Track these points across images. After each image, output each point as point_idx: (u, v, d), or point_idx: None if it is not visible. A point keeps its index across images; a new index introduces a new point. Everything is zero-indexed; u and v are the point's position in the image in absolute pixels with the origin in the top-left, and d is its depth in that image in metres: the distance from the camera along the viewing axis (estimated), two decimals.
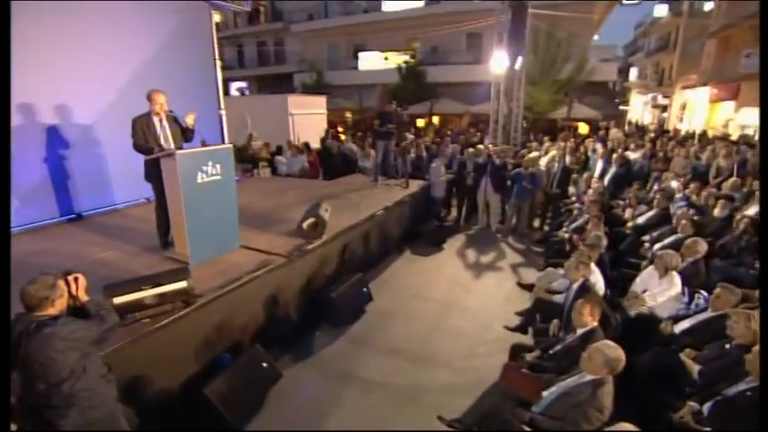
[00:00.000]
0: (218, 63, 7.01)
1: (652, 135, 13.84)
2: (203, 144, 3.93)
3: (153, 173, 3.66)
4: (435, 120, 20.64)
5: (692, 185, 6.43)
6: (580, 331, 2.67)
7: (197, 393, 2.77)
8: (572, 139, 10.34)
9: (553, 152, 7.76)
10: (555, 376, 2.44)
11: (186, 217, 3.49)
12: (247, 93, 26.91)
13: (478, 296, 4.87)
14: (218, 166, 3.67)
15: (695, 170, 7.66)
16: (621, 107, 22.81)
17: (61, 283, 2.05)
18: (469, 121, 16.88)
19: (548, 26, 13.90)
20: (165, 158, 3.50)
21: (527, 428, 2.16)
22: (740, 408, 2.19)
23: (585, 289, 3.17)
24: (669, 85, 21.29)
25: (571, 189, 7.10)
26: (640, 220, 5.71)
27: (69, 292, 2.10)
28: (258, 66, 26.60)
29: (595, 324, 2.63)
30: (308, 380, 3.43)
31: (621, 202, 6.68)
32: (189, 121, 3.88)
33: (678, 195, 5.86)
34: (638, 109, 26.99)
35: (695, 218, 4.88)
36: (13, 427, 1.96)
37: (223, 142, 7.32)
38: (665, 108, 22.08)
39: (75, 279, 2.12)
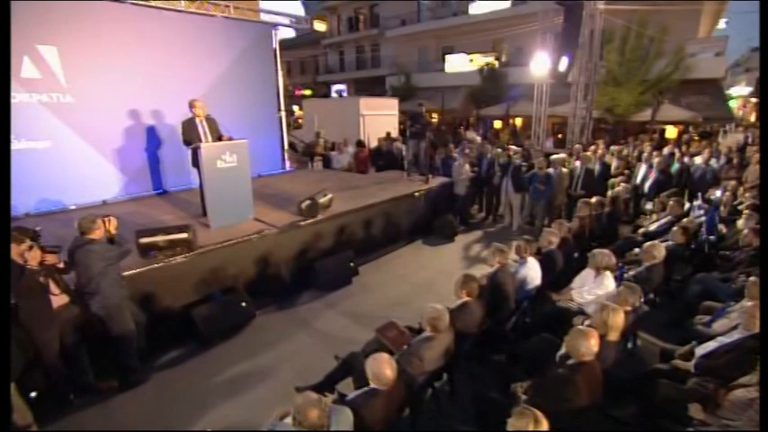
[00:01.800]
0: (280, 72, 8.34)
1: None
2: (229, 139, 5.15)
3: (194, 160, 5.01)
4: (518, 121, 20.11)
5: (746, 194, 5.79)
6: (457, 302, 3.13)
7: (187, 313, 3.95)
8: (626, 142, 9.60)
9: (586, 153, 7.50)
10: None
11: (207, 192, 4.75)
12: (345, 94, 29.33)
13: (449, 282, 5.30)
14: (234, 156, 4.87)
15: None
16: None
17: (99, 221, 3.34)
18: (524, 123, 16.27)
19: (638, 23, 12.75)
20: (199, 149, 4.80)
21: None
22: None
23: (500, 273, 3.54)
24: None
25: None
26: (653, 227, 5.43)
27: (105, 228, 3.38)
28: (356, 69, 28.78)
29: (466, 299, 3.07)
30: (277, 323, 4.42)
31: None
32: (225, 137, 5.11)
33: (696, 203, 5.40)
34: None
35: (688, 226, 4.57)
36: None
37: (282, 139, 8.81)
38: None
39: (109, 220, 3.40)
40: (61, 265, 3.28)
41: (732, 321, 3.03)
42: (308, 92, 32.66)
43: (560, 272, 4.07)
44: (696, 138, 14.11)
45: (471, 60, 21.16)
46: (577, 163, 7.31)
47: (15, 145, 5.58)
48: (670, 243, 4.43)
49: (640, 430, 2.57)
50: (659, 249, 3.78)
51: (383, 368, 2.12)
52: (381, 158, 9.80)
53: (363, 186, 7.11)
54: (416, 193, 6.74)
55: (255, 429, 2.03)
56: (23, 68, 5.60)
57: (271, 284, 4.78)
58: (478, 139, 12.97)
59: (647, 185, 7.02)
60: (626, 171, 7.87)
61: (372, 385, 2.16)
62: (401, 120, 13.63)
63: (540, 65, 9.52)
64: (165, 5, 6.68)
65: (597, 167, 7.39)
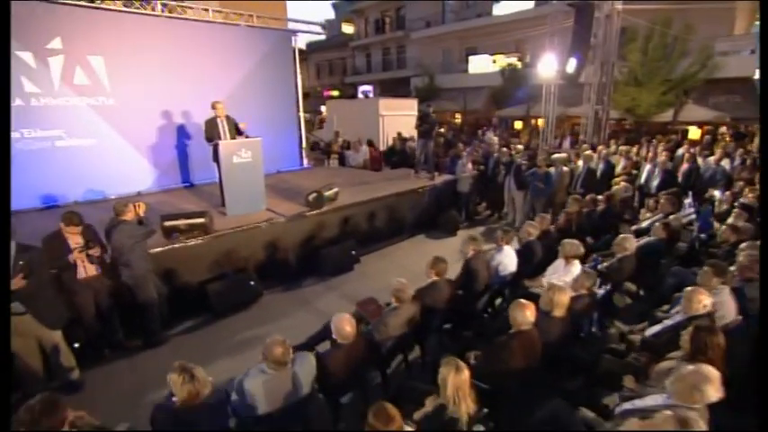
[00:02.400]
0: (299, 75, 8.91)
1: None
2: (246, 137, 5.72)
3: (215, 155, 5.61)
4: (541, 122, 19.97)
5: (750, 194, 5.83)
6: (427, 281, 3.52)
7: (203, 288, 4.53)
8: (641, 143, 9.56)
9: (587, 152, 7.62)
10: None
11: (225, 184, 5.35)
12: (371, 95, 29.88)
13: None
14: (249, 152, 5.44)
15: None
16: None
17: (131, 205, 3.95)
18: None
19: (662, 22, 12.53)
20: (218, 145, 5.40)
21: None
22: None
23: (473, 260, 3.89)
24: None
25: None
26: (645, 224, 5.57)
27: (135, 211, 3.99)
28: (382, 71, 29.29)
29: (435, 278, 3.46)
30: (281, 302, 4.93)
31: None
32: (242, 126, 5.72)
33: (687, 201, 5.49)
34: None
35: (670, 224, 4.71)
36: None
37: (300, 138, 9.40)
38: None
39: (139, 205, 4.01)
40: (95, 251, 3.80)
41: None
42: (335, 92, 33.47)
43: (539, 262, 4.36)
44: (728, 138, 13.66)
45: (494, 61, 21.16)
46: (580, 162, 7.47)
47: (67, 142, 6.43)
48: (651, 238, 4.62)
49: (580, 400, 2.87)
50: (630, 242, 4.01)
51: (343, 324, 2.55)
52: (395, 157, 10.21)
53: (371, 182, 7.57)
54: (420, 189, 7.12)
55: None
56: (76, 76, 6.42)
57: (278, 268, 5.31)
58: (495, 139, 13.11)
59: (653, 185, 7.08)
60: (634, 171, 7.91)
61: (336, 339, 2.60)
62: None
63: (548, 66, 9.63)
64: (195, 17, 7.38)
65: (602, 167, 7.53)
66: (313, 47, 34.56)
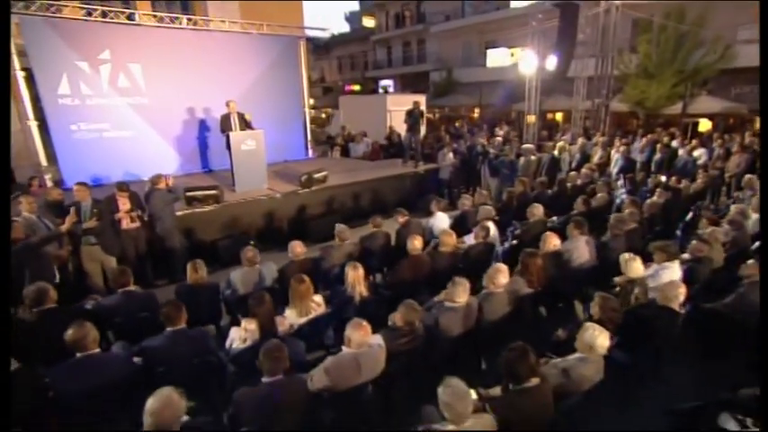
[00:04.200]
0: (305, 75, 10.69)
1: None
2: (251, 127, 7.49)
3: (227, 144, 7.42)
4: (559, 116, 21.00)
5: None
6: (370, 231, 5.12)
7: (214, 244, 6.33)
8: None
9: (561, 143, 8.93)
10: None
11: (234, 166, 7.15)
12: (391, 90, 31.53)
13: None
14: (253, 141, 7.22)
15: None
16: None
17: (163, 177, 5.80)
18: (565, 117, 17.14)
19: (676, 12, 13.28)
20: (230, 136, 7.20)
21: None
22: None
23: (402, 228, 5.44)
24: None
25: None
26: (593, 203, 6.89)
27: (166, 182, 5.83)
28: (402, 65, 30.87)
29: (374, 229, 5.05)
30: (275, 259, 6.65)
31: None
32: (248, 117, 7.52)
33: (620, 183, 6.78)
34: None
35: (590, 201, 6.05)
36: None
37: (306, 131, 11.19)
38: None
39: (168, 178, 5.85)
40: (136, 213, 5.60)
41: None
42: (357, 87, 35.33)
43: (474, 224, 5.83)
44: (751, 131, 14.22)
45: (512, 54, 22.30)
46: (556, 152, 8.83)
47: (111, 133, 8.47)
48: (573, 211, 6.01)
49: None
50: (538, 208, 5.44)
51: (295, 246, 4.21)
52: (392, 149, 11.82)
53: (361, 169, 9.22)
54: (402, 175, 8.70)
55: None
56: (119, 80, 8.45)
57: (274, 233, 7.05)
58: (501, 133, 14.38)
59: (614, 171, 8.33)
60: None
61: (291, 257, 4.26)
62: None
63: (528, 63, 10.96)
64: (215, 28, 9.29)
65: (578, 157, 8.84)
66: (335, 40, 36.61)
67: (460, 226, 5.78)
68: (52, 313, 3.30)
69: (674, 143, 10.49)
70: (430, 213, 8.14)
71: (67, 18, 7.85)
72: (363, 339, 2.67)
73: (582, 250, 4.52)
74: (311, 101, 19.51)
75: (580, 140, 9.67)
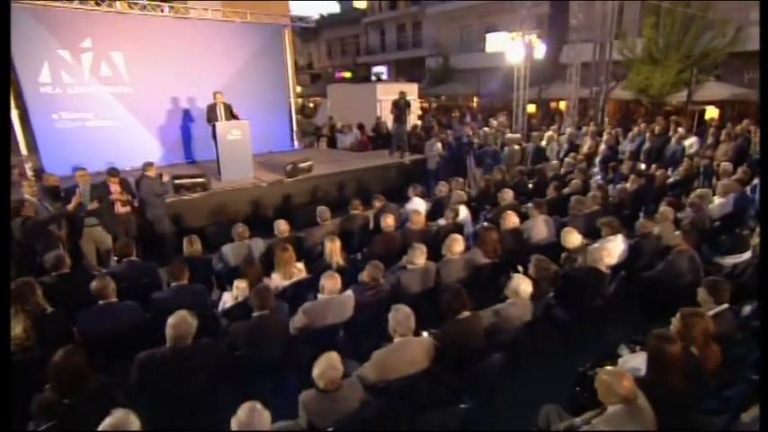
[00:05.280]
0: (291, 64, 11.74)
1: None
2: (237, 118, 8.51)
3: (213, 134, 8.44)
4: (563, 104, 22.10)
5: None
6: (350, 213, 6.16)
7: (203, 231, 7.34)
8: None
9: (549, 133, 10.01)
10: None
11: (220, 156, 8.17)
12: (385, 77, 32.60)
13: None
14: (239, 131, 8.25)
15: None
16: None
17: (154, 166, 6.83)
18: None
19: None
20: (216, 126, 8.22)
21: None
22: None
23: (379, 211, 6.49)
24: None
25: None
26: (567, 190, 7.96)
27: (159, 174, 6.86)
28: (397, 50, 31.96)
29: (353, 212, 6.09)
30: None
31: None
32: (236, 112, 8.54)
33: (595, 169, 7.87)
34: None
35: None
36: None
37: (291, 121, 12.23)
38: None
39: (161, 173, 6.88)
40: (126, 197, 6.62)
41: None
42: (348, 74, 36.33)
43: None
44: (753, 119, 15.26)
45: (513, 39, 23.39)
46: (543, 142, 9.91)
47: (94, 123, 9.47)
48: (548, 197, 7.07)
49: None
50: (507, 193, 6.49)
51: (280, 224, 5.24)
52: (380, 140, 12.87)
53: (347, 160, 10.27)
54: (387, 166, 9.75)
55: None
56: (101, 69, 9.47)
57: (260, 221, 8.04)
58: (495, 123, 15.45)
59: (597, 160, 9.42)
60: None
61: (276, 234, 5.29)
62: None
63: (516, 51, 12.06)
64: (196, 17, 10.33)
65: (566, 147, 9.93)
66: (324, 22, 37.44)
67: (436, 211, 6.83)
68: (68, 276, 4.32)
69: (671, 132, 11.59)
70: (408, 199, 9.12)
71: (48, 5, 8.80)
72: (334, 287, 3.71)
73: (540, 228, 5.57)
74: (298, 89, 20.59)
75: (568, 130, 10.74)
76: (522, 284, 3.62)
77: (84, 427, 2.46)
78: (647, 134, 10.46)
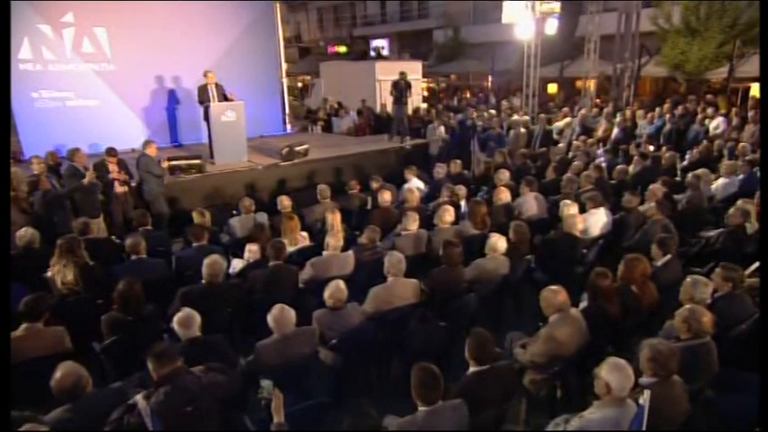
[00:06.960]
0: (281, 42, 13.33)
1: None
2: (231, 99, 10.07)
3: (206, 115, 10.00)
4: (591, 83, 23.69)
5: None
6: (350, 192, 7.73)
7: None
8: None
9: (567, 119, 11.58)
10: None
11: (213, 138, 9.75)
12: (386, 52, 34.03)
13: None
14: (233, 113, 9.82)
15: None
16: None
17: (154, 144, 8.42)
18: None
19: None
20: (209, 107, 9.79)
21: None
22: None
23: (377, 189, 8.06)
24: None
25: None
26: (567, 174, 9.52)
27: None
28: (400, 21, 33.48)
29: (351, 191, 7.65)
30: None
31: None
32: (229, 93, 10.11)
33: (599, 151, 9.43)
34: None
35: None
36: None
37: (283, 104, 13.83)
38: None
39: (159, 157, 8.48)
40: (124, 177, 8.20)
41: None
42: (342, 49, 37.78)
43: None
44: None
45: (531, 8, 24.94)
46: (559, 123, 11.51)
47: (75, 102, 11.05)
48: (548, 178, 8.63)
49: None
50: (504, 173, 8.04)
51: (283, 200, 6.79)
52: (380, 124, 14.46)
53: (344, 145, 11.85)
54: (386, 150, 11.33)
55: None
56: (83, 45, 11.07)
57: (256, 204, 9.62)
58: (506, 105, 17.00)
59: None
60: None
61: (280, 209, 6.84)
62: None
63: (525, 26, 13.66)
64: None
65: (578, 129, 11.52)
66: None
67: (436, 195, 8.38)
68: (95, 240, 5.88)
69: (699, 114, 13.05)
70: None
71: None
72: (337, 244, 5.26)
73: (530, 204, 7.12)
74: (284, 65, 22.15)
75: (582, 112, 12.30)
76: (499, 242, 5.16)
77: (145, 336, 3.99)
78: (667, 116, 11.99)
